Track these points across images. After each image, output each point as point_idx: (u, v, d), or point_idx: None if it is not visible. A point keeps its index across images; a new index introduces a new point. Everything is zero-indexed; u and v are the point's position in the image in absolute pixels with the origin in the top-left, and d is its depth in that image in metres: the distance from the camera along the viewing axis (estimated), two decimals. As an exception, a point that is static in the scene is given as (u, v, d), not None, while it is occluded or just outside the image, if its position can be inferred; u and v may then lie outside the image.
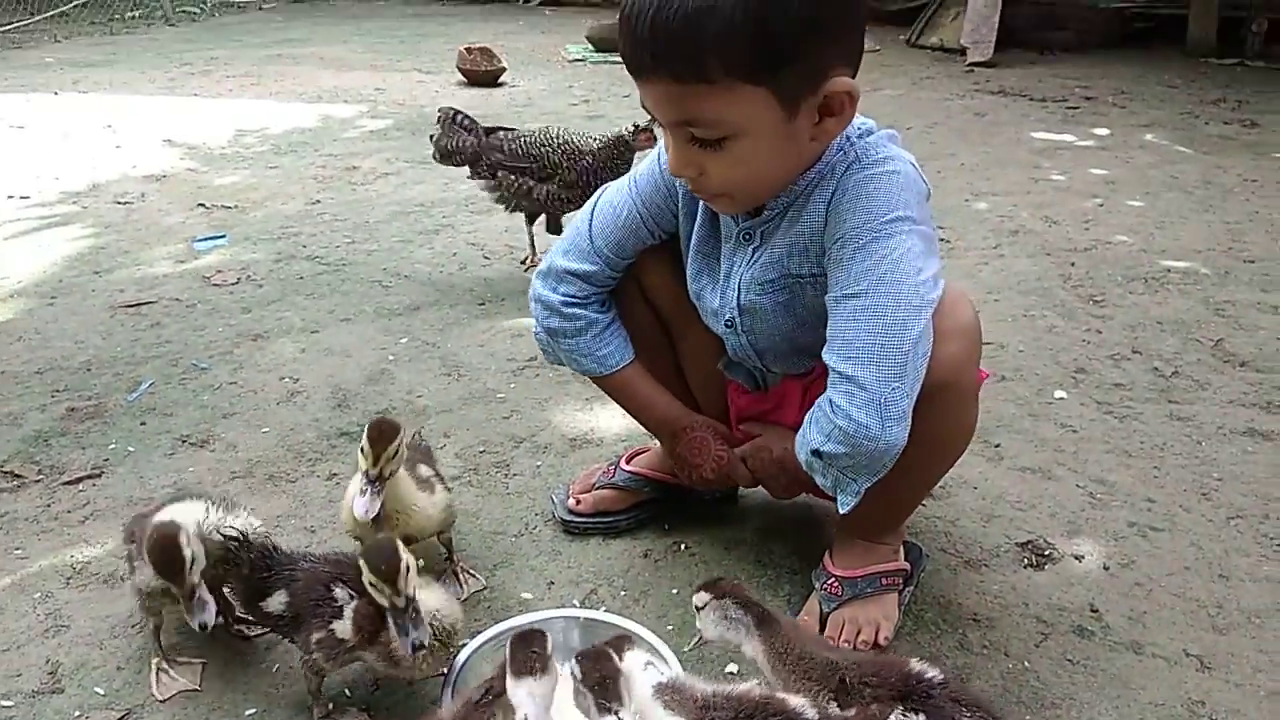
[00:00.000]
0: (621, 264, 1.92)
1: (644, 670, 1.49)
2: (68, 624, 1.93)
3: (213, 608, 1.62)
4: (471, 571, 2.05)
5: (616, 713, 1.35)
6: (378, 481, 1.73)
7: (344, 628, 1.59)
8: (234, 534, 1.69)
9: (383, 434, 1.73)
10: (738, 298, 1.79)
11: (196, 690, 1.77)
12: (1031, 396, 2.80)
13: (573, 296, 1.92)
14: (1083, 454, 2.50)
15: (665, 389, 2.03)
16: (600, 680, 1.39)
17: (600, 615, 1.84)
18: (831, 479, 1.63)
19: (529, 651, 1.37)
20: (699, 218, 1.84)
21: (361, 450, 1.74)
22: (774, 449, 1.88)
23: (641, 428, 2.18)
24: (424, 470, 1.96)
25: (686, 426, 2.00)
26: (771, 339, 1.83)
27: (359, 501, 1.74)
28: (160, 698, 1.75)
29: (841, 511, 1.64)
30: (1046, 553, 2.12)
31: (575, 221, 1.96)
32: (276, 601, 1.67)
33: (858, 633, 1.82)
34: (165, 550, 1.58)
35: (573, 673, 1.42)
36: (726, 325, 1.85)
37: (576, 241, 1.92)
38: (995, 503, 2.30)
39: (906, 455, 1.58)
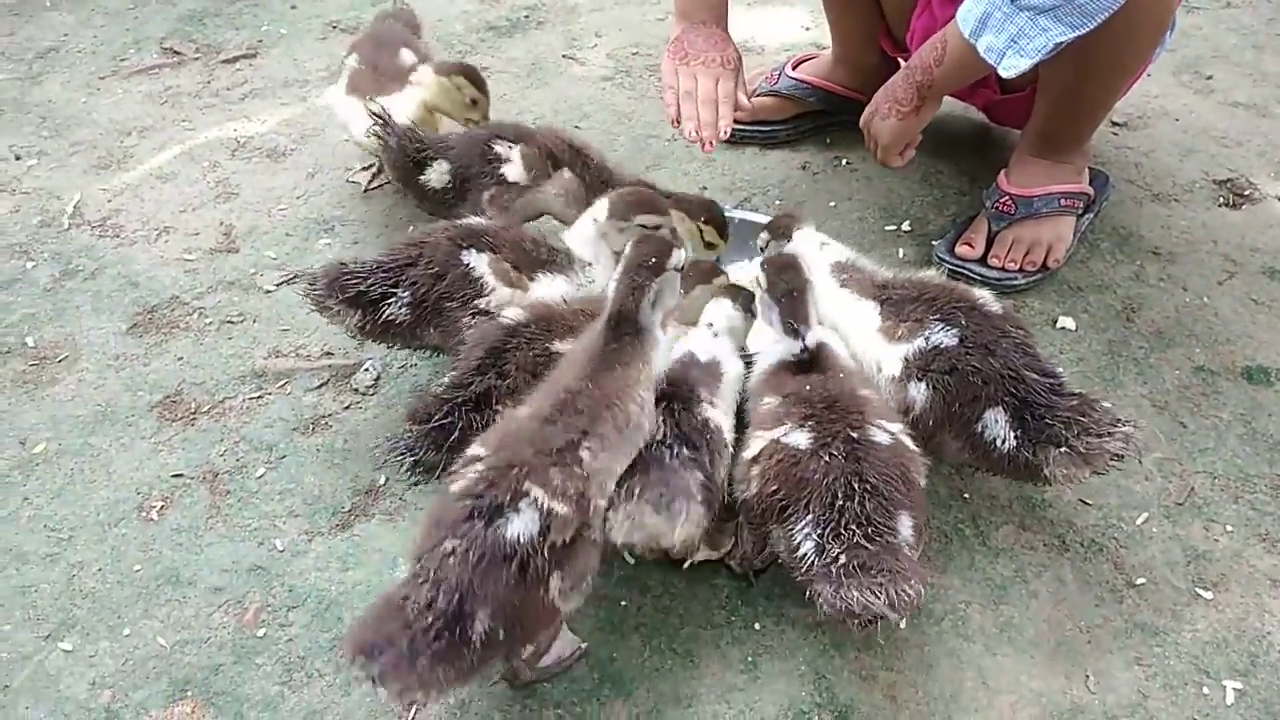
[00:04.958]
0: None
1: (820, 249, 1.43)
2: (237, 191, 1.99)
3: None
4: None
5: (803, 337, 1.20)
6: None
7: (514, 170, 1.63)
8: (377, 109, 1.66)
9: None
10: None
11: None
12: (1260, 26, 2.44)
13: None
14: (1309, 92, 2.21)
15: None
16: (788, 292, 1.22)
17: (752, 215, 1.78)
18: (1012, 32, 1.40)
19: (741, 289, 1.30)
20: None
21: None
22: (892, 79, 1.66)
23: (807, 36, 1.95)
24: (407, 57, 1.89)
25: None
26: None
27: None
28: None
29: (1004, 75, 1.43)
30: (1247, 192, 1.93)
31: None
32: (437, 173, 1.66)
33: (1026, 253, 1.71)
34: None
35: (758, 280, 1.27)
36: None
37: None
38: (1197, 137, 2.07)
39: (1097, 41, 1.40)
